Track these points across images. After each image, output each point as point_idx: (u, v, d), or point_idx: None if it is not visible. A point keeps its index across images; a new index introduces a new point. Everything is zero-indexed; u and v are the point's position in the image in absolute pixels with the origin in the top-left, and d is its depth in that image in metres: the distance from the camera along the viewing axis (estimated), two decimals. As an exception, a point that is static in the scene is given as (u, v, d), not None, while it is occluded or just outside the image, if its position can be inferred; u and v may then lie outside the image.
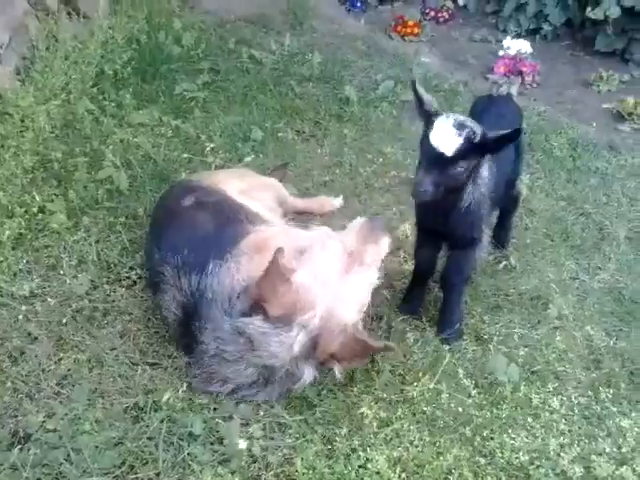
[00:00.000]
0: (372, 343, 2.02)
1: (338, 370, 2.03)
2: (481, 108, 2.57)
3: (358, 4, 5.18)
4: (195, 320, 2.04)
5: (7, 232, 2.47)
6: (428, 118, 2.02)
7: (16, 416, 1.94)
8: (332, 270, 2.02)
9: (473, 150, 1.99)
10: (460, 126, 1.95)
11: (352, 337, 1.97)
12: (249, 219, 2.31)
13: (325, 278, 1.99)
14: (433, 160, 1.98)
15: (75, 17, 3.84)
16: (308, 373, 2.01)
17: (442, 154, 1.95)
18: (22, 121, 3.02)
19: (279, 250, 1.91)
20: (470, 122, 2.00)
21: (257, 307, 1.94)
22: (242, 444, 1.90)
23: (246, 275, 2.03)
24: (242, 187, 2.57)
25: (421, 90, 2.08)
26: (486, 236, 2.40)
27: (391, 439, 2.01)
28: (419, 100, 2.07)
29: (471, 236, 2.27)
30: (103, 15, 4.11)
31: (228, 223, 2.26)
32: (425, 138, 2.00)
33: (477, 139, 1.97)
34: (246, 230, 2.23)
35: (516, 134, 2.02)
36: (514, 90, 2.78)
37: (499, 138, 2.01)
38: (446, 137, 1.95)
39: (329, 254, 2.05)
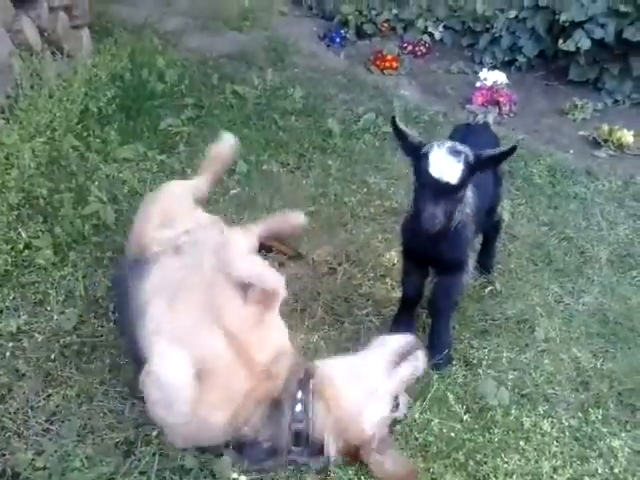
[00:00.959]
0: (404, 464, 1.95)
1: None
2: (459, 137, 2.62)
3: (337, 40, 5.31)
4: None
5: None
6: (416, 151, 2.06)
7: (4, 454, 1.90)
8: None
9: (471, 172, 2.03)
10: (455, 152, 1.99)
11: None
12: None
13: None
14: (439, 191, 1.99)
15: (59, 56, 3.89)
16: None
17: (447, 183, 1.98)
18: (7, 158, 3.04)
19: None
20: (459, 145, 2.05)
21: None
22: (231, 473, 1.87)
23: None
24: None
25: (402, 125, 2.12)
26: (471, 261, 2.44)
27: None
28: (402, 135, 2.10)
29: (458, 260, 2.31)
30: (87, 54, 4.19)
31: None
32: (423, 171, 2.00)
33: (472, 160, 2.02)
34: None
35: (513, 150, 2.06)
36: (490, 119, 2.85)
37: (497, 155, 2.07)
38: (446, 166, 1.97)
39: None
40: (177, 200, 2.45)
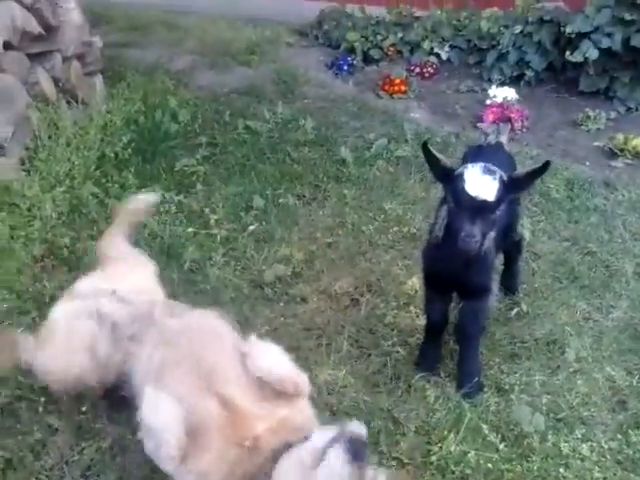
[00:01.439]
0: None
1: None
2: (471, 159, 2.61)
3: (345, 67, 5.35)
4: None
5: (24, 323, 2.49)
6: (449, 174, 2.07)
7: (42, 513, 1.91)
8: None
9: (507, 191, 2.03)
10: (490, 171, 2.01)
11: None
12: None
13: None
14: (476, 210, 2.00)
15: (74, 104, 3.97)
16: None
17: (484, 201, 1.99)
18: (29, 210, 3.10)
19: None
20: (490, 166, 2.05)
21: None
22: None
23: None
24: None
25: (434, 150, 2.12)
26: (495, 282, 2.42)
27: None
28: (434, 159, 2.10)
29: (484, 283, 2.30)
30: (101, 100, 4.27)
31: None
32: (459, 191, 2.01)
33: (506, 179, 2.03)
34: None
35: (545, 168, 2.06)
36: (504, 138, 2.83)
37: (531, 173, 2.08)
38: (483, 184, 1.99)
39: None
40: None
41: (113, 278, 2.10)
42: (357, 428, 1.58)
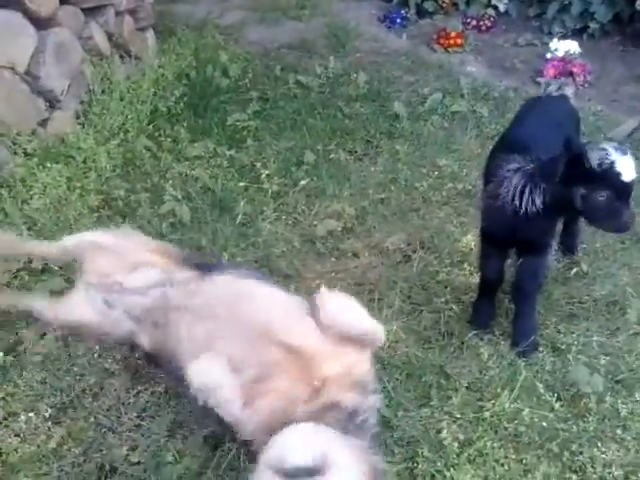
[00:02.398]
0: None
1: None
2: (529, 113, 2.47)
3: (398, 20, 5.18)
4: None
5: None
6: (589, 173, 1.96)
7: (101, 450, 1.98)
8: None
9: None
10: (622, 149, 1.95)
11: None
12: None
13: None
14: (630, 192, 1.98)
15: (127, 59, 3.98)
16: None
17: (633, 181, 1.95)
18: (85, 162, 3.15)
19: None
20: (614, 144, 1.99)
21: None
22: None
23: None
24: None
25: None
26: (554, 240, 2.34)
27: (475, 459, 1.95)
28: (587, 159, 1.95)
29: (546, 239, 2.22)
30: (153, 55, 4.27)
31: None
32: (615, 184, 1.94)
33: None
34: None
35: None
36: (570, 92, 2.68)
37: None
38: (630, 167, 1.94)
39: None
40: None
41: None
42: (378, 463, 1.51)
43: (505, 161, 2.15)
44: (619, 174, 1.92)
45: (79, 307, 1.95)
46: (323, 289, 1.77)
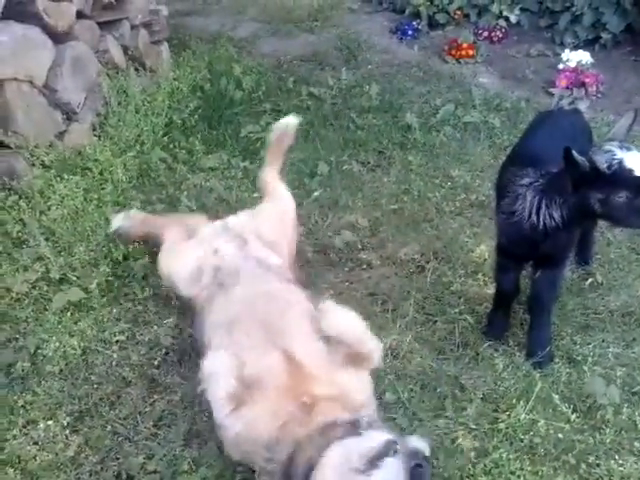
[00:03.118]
0: None
1: None
2: (536, 124, 2.51)
3: (410, 32, 5.22)
4: None
5: (95, 280, 2.58)
6: (598, 174, 1.94)
7: (118, 458, 2.00)
8: None
9: None
10: (628, 147, 1.94)
11: None
12: None
13: None
14: None
15: (142, 72, 4.03)
16: None
17: None
18: (101, 174, 3.19)
19: None
20: (622, 142, 1.98)
21: None
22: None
23: None
24: None
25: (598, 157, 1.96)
26: (571, 252, 2.35)
27: (490, 470, 1.94)
28: (594, 167, 1.94)
29: (565, 253, 2.23)
30: (167, 67, 4.32)
31: None
32: (631, 184, 1.91)
33: None
34: None
35: None
36: (583, 106, 2.67)
37: None
38: None
39: None
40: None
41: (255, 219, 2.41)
42: (420, 444, 1.52)
43: (517, 176, 2.16)
44: (631, 171, 1.90)
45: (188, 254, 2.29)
46: (327, 300, 1.82)
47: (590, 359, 2.30)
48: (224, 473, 1.95)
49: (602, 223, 2.94)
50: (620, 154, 1.91)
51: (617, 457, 1.97)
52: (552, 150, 2.16)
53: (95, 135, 3.47)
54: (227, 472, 1.95)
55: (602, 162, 1.92)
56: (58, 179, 3.01)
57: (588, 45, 4.89)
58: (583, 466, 1.94)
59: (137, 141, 3.48)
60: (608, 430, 2.05)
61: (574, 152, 1.94)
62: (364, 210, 3.17)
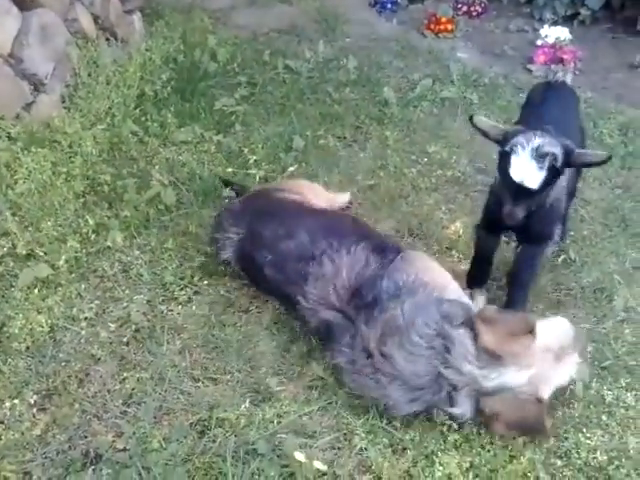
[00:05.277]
0: (546, 425, 1.95)
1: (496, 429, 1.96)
2: (542, 95, 2.57)
3: (388, 5, 5.13)
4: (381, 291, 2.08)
5: (63, 256, 2.52)
6: (502, 143, 2.00)
7: (86, 437, 1.97)
8: (552, 352, 1.98)
9: (558, 173, 1.97)
10: (540, 157, 1.91)
11: (536, 412, 1.92)
12: None
13: (546, 355, 1.96)
14: (519, 193, 1.97)
15: (113, 42, 3.91)
16: (465, 409, 1.93)
17: (527, 188, 1.93)
18: (70, 147, 3.10)
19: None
20: (549, 144, 1.94)
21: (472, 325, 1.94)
22: (301, 457, 1.86)
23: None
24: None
25: (482, 123, 2.06)
26: (557, 231, 2.36)
27: (461, 444, 1.96)
28: (484, 133, 2.07)
29: (548, 231, 2.24)
30: (140, 38, 4.20)
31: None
32: (504, 171, 1.96)
33: (560, 162, 1.94)
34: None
35: (607, 161, 2.04)
36: (568, 78, 2.72)
37: (588, 164, 2.08)
38: (528, 172, 1.92)
39: (555, 340, 2.01)
40: None
41: None
42: None
43: None
44: (508, 170, 1.95)
45: None
46: None
47: (561, 335, 2.32)
48: (194, 450, 1.93)
49: (576, 200, 2.97)
50: (520, 145, 1.93)
51: (585, 430, 2.00)
52: (558, 120, 2.21)
53: (64, 107, 3.37)
54: (197, 449, 1.93)
55: (500, 132, 2.03)
56: (25, 152, 2.92)
57: (567, 21, 4.86)
58: (552, 440, 1.97)
59: (107, 113, 3.39)
60: (577, 405, 2.07)
61: (477, 121, 2.06)
62: (340, 185, 3.14)
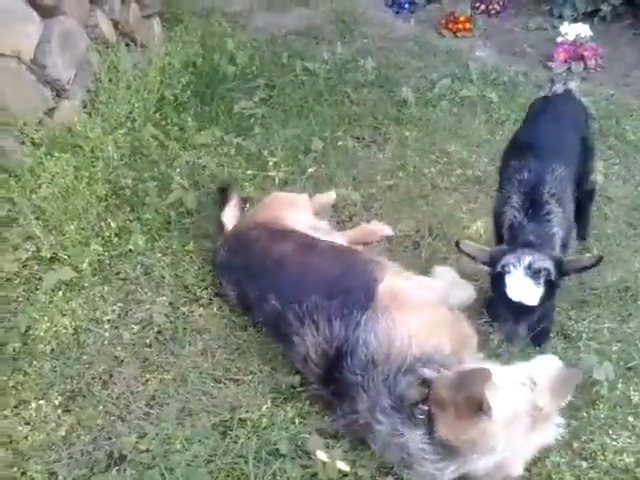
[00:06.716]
0: None
1: None
2: (536, 111, 2.54)
3: (406, 5, 5.12)
4: (344, 369, 1.98)
5: (86, 259, 2.55)
6: (491, 264, 2.03)
7: (110, 438, 1.99)
8: (522, 420, 1.77)
9: (554, 285, 1.97)
10: (535, 274, 1.92)
11: None
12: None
13: (513, 429, 1.75)
14: (519, 311, 1.97)
15: (133, 47, 3.95)
16: None
17: (527, 306, 1.93)
18: (92, 151, 3.13)
19: (488, 376, 1.72)
20: (539, 260, 1.94)
21: (426, 411, 1.79)
22: (323, 457, 1.86)
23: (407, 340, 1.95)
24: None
25: (468, 248, 2.10)
26: (574, 235, 2.37)
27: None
28: (471, 257, 2.11)
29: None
30: (159, 42, 4.23)
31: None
32: (501, 292, 1.97)
33: (554, 275, 1.94)
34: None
35: (598, 263, 2.01)
36: (573, 84, 2.62)
37: (581, 269, 2.06)
38: (526, 290, 1.92)
39: (524, 408, 1.78)
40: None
41: None
42: None
43: (516, 170, 2.25)
44: (505, 291, 1.95)
45: None
46: None
47: (585, 335, 2.30)
48: (216, 451, 1.94)
49: (599, 198, 2.94)
50: (512, 265, 1.94)
51: (611, 432, 1.97)
52: (552, 137, 2.26)
53: (85, 112, 3.40)
54: (219, 450, 1.94)
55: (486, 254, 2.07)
56: (48, 157, 2.96)
57: (587, 18, 4.80)
58: (577, 442, 1.94)
59: (128, 118, 3.42)
60: (602, 406, 2.05)
61: (462, 245, 2.09)
62: (359, 186, 3.13)
